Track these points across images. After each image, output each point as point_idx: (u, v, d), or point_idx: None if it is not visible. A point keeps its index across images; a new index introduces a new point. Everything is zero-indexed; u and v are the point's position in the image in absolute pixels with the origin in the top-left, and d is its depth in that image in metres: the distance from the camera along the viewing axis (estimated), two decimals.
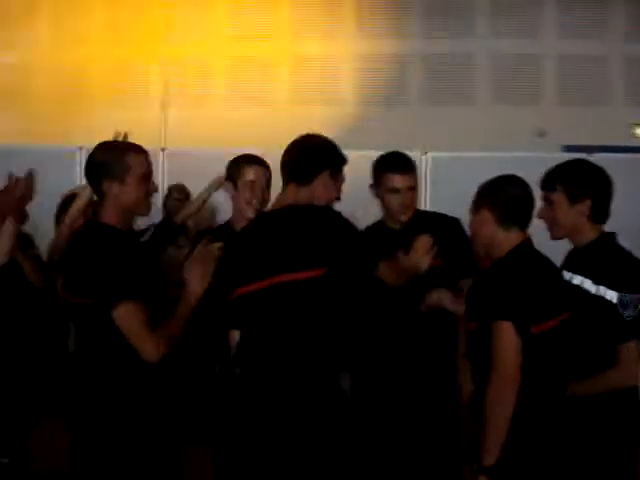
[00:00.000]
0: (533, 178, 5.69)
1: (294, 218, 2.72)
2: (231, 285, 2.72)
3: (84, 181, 5.71)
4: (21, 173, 5.10)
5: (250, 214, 3.09)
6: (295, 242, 2.65)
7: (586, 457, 2.64)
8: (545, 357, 2.56)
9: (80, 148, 5.95)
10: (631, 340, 2.69)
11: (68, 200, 4.16)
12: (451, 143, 6.23)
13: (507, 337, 2.40)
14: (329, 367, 2.68)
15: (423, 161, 5.82)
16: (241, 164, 3.22)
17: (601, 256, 2.81)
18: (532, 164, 5.74)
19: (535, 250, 2.71)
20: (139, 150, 2.76)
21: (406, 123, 7.21)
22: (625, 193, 5.81)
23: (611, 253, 2.87)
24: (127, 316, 2.55)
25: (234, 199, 3.24)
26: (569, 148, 6.93)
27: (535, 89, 7.22)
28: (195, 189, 4.84)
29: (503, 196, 2.71)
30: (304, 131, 2.71)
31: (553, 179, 2.94)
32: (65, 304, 2.83)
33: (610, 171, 6.45)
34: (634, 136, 7.11)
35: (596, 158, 6.06)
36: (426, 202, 5.62)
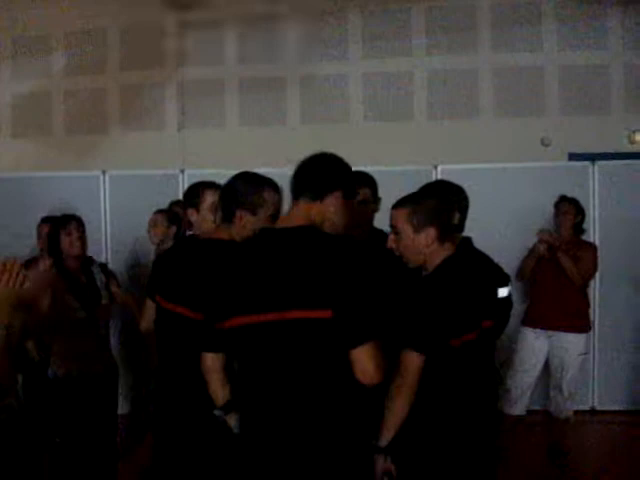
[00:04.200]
0: (541, 186, 5.88)
1: (309, 242, 2.38)
2: (227, 311, 2.41)
3: (108, 204, 5.94)
4: (50, 200, 5.31)
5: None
6: (310, 273, 2.30)
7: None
8: (470, 364, 2.68)
9: (103, 172, 6.13)
10: None
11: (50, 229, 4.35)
12: (458, 156, 6.40)
13: (412, 365, 2.53)
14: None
15: (434, 174, 5.99)
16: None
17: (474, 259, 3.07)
18: (539, 173, 5.95)
19: (463, 261, 2.78)
20: (276, 188, 2.95)
21: (413, 138, 7.41)
22: (629, 199, 6.01)
23: (478, 255, 3.16)
24: None
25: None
26: (573, 156, 7.14)
27: (538, 100, 7.41)
28: None
29: (445, 213, 2.77)
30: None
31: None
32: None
33: (613, 178, 6.62)
34: (635, 142, 7.29)
35: (600, 165, 6.26)
36: None
